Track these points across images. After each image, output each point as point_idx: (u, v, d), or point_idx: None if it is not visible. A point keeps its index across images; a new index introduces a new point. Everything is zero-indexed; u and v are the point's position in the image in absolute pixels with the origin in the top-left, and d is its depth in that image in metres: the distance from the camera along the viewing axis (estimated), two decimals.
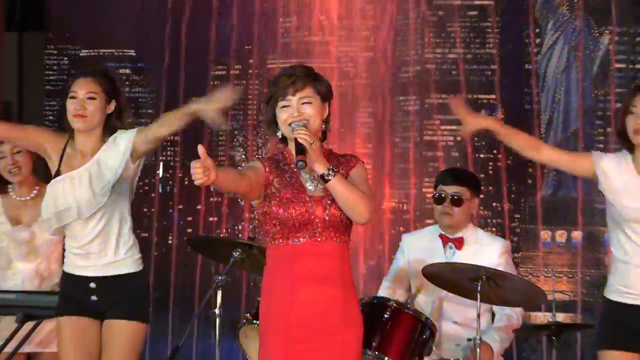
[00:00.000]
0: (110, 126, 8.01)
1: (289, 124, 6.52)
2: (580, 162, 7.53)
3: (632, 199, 7.36)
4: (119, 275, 8.02)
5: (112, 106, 7.80)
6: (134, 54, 13.35)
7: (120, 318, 8.01)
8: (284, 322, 6.71)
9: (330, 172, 6.41)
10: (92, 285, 7.94)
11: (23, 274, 9.52)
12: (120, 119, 8.00)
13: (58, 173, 8.02)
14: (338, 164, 6.77)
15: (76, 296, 7.97)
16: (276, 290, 6.79)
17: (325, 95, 6.60)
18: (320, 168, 6.36)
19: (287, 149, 6.64)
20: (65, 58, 13.47)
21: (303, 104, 6.59)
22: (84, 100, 7.85)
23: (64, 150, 8.10)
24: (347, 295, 6.71)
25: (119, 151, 7.97)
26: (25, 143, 8.37)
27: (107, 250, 8.10)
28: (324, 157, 6.63)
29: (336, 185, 6.46)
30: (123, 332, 8.02)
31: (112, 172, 7.88)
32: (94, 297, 7.91)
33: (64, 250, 8.58)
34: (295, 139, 6.36)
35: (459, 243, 8.97)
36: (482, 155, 12.37)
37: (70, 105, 7.70)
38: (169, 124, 7.79)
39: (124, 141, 7.95)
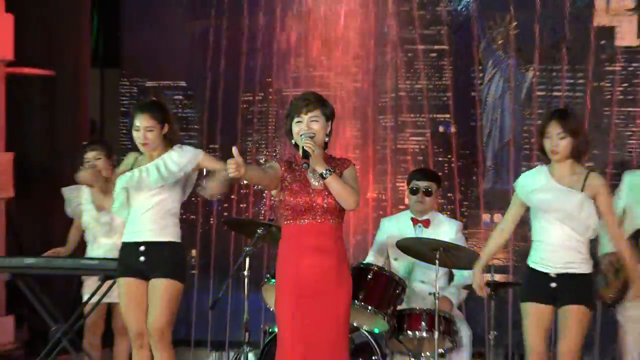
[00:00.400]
0: (167, 141, 8.28)
1: (300, 135, 6.77)
2: (519, 210, 8.15)
3: (543, 193, 7.74)
4: (161, 242, 8.15)
5: (165, 129, 8.08)
6: (185, 84, 13.27)
7: (161, 277, 8.17)
8: (293, 281, 6.98)
9: (327, 172, 6.73)
10: (142, 248, 8.10)
11: (105, 247, 9.74)
12: (173, 134, 8.32)
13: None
14: (335, 165, 6.83)
15: (129, 261, 8.19)
16: (287, 258, 7.01)
17: (329, 117, 6.86)
18: (320, 169, 6.70)
19: (297, 154, 6.88)
20: (135, 88, 13.21)
21: (312, 121, 6.83)
22: (145, 132, 8.08)
23: (135, 159, 8.38)
24: (340, 263, 6.91)
25: (184, 155, 8.18)
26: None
27: (156, 222, 8.28)
28: (324, 160, 6.79)
29: (331, 182, 6.72)
30: (165, 287, 8.18)
31: (177, 165, 8.08)
32: (142, 258, 8.07)
33: None
34: (302, 147, 6.70)
35: (426, 223, 9.34)
36: (440, 159, 12.49)
37: (136, 136, 8.07)
38: (213, 172, 7.92)
39: (191, 153, 8.16)
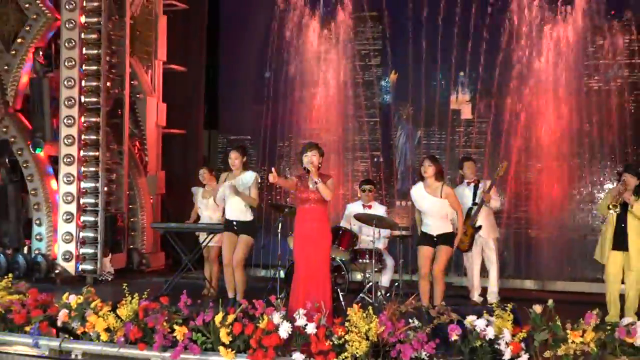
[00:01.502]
0: (244, 167, 8.19)
1: (306, 162, 6.92)
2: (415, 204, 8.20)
3: (419, 202, 7.96)
4: (244, 221, 8.15)
5: (244, 159, 8.26)
6: (250, 137, 13.33)
7: (243, 234, 8.18)
8: (299, 235, 7.13)
9: (317, 182, 6.91)
10: (234, 222, 8.19)
11: (205, 217, 9.66)
12: (246, 162, 8.37)
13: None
14: (323, 178, 7.02)
15: (230, 228, 8.19)
16: (297, 224, 7.25)
17: (321, 154, 7.14)
18: (314, 179, 6.90)
19: (304, 172, 6.99)
20: (226, 140, 13.72)
21: (312, 155, 6.99)
22: (234, 161, 8.19)
23: (227, 176, 8.29)
24: (322, 226, 7.10)
25: (247, 178, 8.12)
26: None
27: (241, 211, 8.09)
28: (318, 175, 6.94)
29: (320, 186, 6.95)
30: (243, 238, 8.20)
31: (244, 184, 8.13)
32: (236, 228, 8.20)
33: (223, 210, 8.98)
34: (305, 167, 6.99)
35: (369, 207, 9.53)
36: (374, 175, 12.23)
37: (230, 162, 8.23)
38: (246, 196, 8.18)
39: (250, 176, 8.16)
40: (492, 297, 9.18)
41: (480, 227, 9.04)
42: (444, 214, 8.03)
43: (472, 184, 9.19)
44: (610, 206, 7.73)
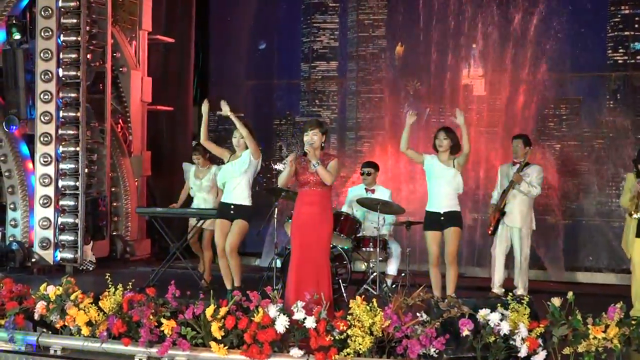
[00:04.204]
0: (246, 146, 8.01)
1: (306, 141, 6.90)
2: (419, 159, 8.08)
3: (430, 169, 7.89)
4: (242, 204, 8.13)
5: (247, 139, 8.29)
6: (243, 115, 12.19)
7: (238, 218, 8.11)
8: (297, 220, 7.05)
9: (316, 164, 6.88)
10: (232, 206, 8.18)
11: (199, 198, 9.65)
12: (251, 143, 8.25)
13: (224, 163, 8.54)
14: (324, 159, 7.02)
15: (225, 212, 8.14)
16: (297, 208, 7.18)
17: (324, 132, 7.10)
18: (313, 161, 6.89)
19: (305, 153, 7.10)
20: (217, 117, 12.25)
21: (313, 134, 6.95)
22: (239, 140, 8.08)
23: (231, 155, 8.30)
24: (322, 211, 7.02)
25: (244, 157, 8.20)
26: (216, 152, 8.51)
27: (239, 193, 8.09)
28: (318, 157, 6.94)
29: (319, 169, 6.93)
30: (238, 223, 8.15)
31: (240, 165, 8.18)
32: (232, 212, 8.12)
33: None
34: (305, 149, 7.06)
35: (372, 191, 9.57)
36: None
37: (234, 142, 8.18)
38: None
39: (245, 154, 8.21)
40: (520, 291, 8.97)
41: (504, 212, 8.93)
42: (453, 187, 7.94)
43: (518, 165, 9.00)
44: (632, 211, 7.60)
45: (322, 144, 7.09)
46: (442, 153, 8.00)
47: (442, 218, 8.01)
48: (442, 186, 8.04)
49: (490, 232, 9.08)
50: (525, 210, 9.16)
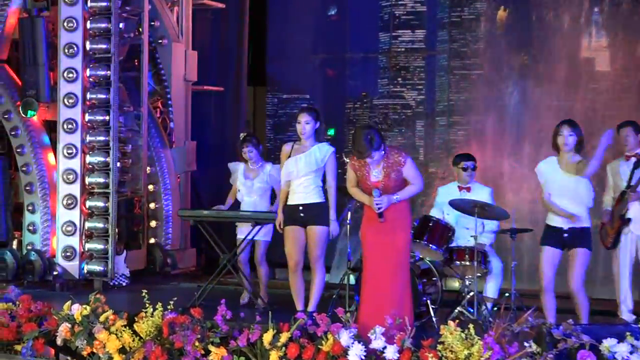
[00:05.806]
0: (316, 135, 8.11)
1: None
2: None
3: (549, 180, 7.68)
4: (314, 203, 8.07)
5: (317, 125, 8.07)
6: (308, 97, 12.90)
7: (314, 225, 8.08)
8: (367, 225, 7.07)
9: (397, 199, 6.93)
10: (300, 207, 8.09)
11: (248, 203, 9.49)
12: (321, 131, 8.22)
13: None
14: (393, 163, 6.90)
15: (293, 215, 8.10)
16: (366, 213, 7.20)
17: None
18: (393, 197, 7.00)
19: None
20: (275, 99, 13.10)
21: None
22: (304, 126, 8.01)
23: (292, 147, 8.21)
24: (398, 216, 6.99)
25: (323, 152, 8.10)
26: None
27: (309, 192, 8.04)
28: (385, 159, 6.91)
29: (399, 199, 7.05)
30: (318, 231, 8.10)
31: (319, 160, 8.13)
32: (302, 215, 8.11)
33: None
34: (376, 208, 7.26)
35: (468, 189, 9.07)
36: None
37: (298, 128, 8.15)
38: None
39: (326, 151, 8.14)
40: None
41: (629, 219, 8.84)
42: (579, 200, 7.85)
43: (633, 159, 8.94)
44: None
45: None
46: (566, 153, 7.77)
47: (565, 235, 7.88)
48: (565, 202, 7.76)
49: (608, 245, 8.98)
50: None
